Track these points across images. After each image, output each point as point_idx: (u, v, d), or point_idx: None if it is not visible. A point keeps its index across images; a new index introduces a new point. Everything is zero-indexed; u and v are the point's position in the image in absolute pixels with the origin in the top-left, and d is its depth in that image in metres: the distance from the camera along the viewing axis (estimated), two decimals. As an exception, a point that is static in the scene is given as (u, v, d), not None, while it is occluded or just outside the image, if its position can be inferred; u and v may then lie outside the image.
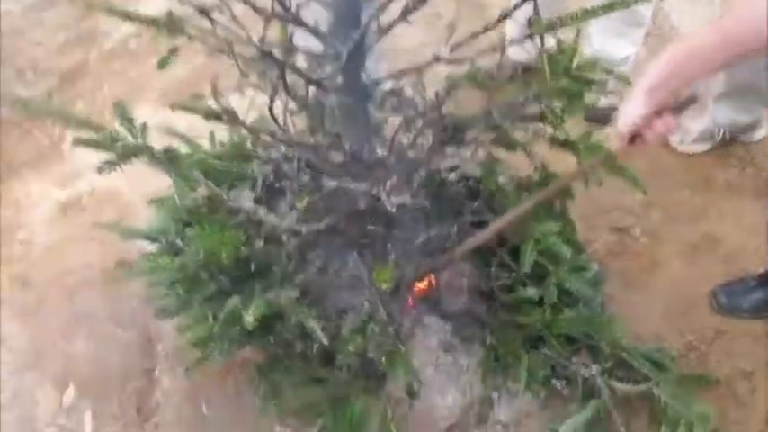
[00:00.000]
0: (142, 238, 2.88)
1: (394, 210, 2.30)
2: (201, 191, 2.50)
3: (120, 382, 3.29)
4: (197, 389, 3.21)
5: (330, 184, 2.39)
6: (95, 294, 3.49)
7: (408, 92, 2.34)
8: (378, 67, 2.22)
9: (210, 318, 2.55)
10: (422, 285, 3.12)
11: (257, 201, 2.75)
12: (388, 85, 2.27)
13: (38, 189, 4.33)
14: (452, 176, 3.28)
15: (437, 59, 2.02)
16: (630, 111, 1.69)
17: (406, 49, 3.72)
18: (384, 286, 2.37)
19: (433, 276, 3.12)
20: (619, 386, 2.76)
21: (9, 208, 4.25)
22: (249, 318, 2.28)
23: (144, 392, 3.26)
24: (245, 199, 2.67)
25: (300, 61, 2.13)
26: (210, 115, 2.13)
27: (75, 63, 4.82)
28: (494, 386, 3.00)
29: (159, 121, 2.39)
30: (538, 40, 2.15)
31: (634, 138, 1.78)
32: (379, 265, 2.46)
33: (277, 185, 2.83)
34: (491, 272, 3.02)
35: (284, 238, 2.64)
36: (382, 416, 2.58)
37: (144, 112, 3.78)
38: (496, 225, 2.49)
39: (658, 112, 1.66)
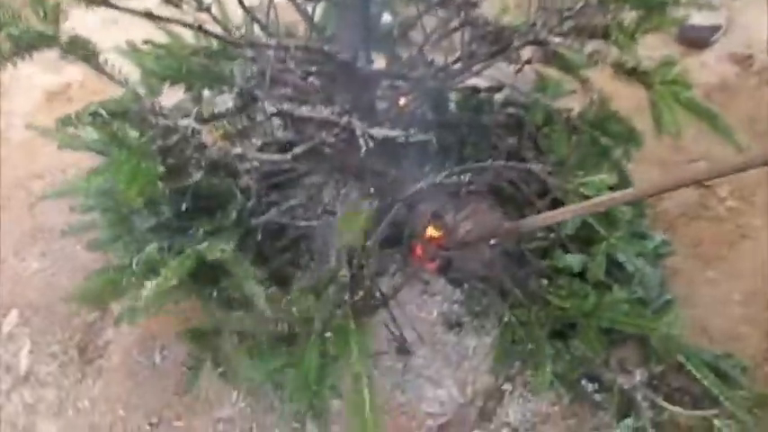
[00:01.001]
0: (84, 149, 2.28)
1: (368, 146, 1.67)
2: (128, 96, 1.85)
3: (66, 314, 2.76)
4: (153, 334, 2.66)
5: (297, 109, 1.73)
6: (58, 207, 2.87)
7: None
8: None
9: (134, 263, 1.96)
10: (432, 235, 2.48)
11: (233, 112, 2.08)
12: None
13: (26, 73, 3.78)
14: (498, 97, 2.76)
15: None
16: None
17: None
18: (348, 238, 1.74)
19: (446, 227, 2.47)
20: (666, 405, 2.10)
21: (-10, 90, 3.73)
22: (167, 275, 1.69)
23: (92, 329, 2.75)
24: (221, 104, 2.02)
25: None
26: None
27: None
28: (506, 377, 2.41)
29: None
30: None
31: None
32: (349, 212, 1.83)
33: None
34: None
35: (241, 169, 1.99)
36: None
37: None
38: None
39: None
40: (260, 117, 2.12)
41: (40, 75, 3.74)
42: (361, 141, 1.72)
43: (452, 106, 2.80)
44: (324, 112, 1.76)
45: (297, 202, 2.35)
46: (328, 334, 1.95)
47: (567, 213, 2.01)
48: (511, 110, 2.71)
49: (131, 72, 2.06)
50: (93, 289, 1.98)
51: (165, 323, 2.61)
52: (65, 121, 1.68)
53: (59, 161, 3.29)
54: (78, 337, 2.72)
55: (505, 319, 2.37)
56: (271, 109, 1.82)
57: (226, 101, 2.05)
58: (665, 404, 2.14)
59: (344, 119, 1.77)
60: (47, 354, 2.70)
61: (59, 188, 2.46)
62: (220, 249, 1.88)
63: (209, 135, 1.68)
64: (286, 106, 1.79)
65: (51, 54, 2.83)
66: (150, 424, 2.48)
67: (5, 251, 3.00)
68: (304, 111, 1.75)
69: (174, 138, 1.87)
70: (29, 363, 2.69)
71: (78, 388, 2.61)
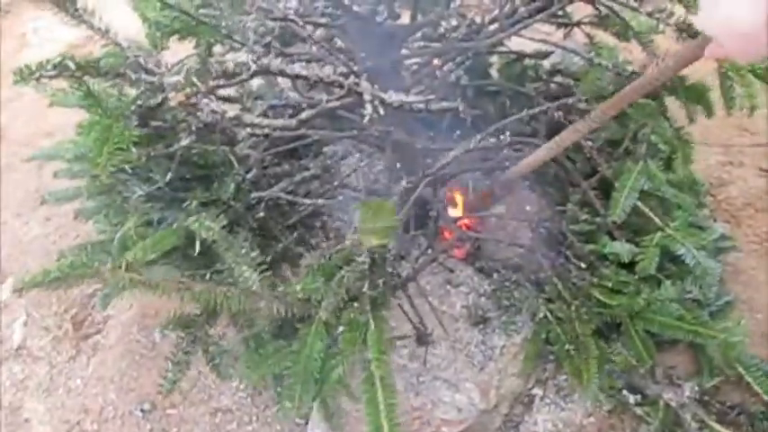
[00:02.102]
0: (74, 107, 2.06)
1: (377, 112, 1.41)
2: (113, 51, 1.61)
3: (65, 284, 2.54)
4: (156, 309, 2.45)
5: (290, 67, 1.45)
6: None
7: None
8: None
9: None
10: (460, 216, 2.30)
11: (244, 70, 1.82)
12: None
13: (46, 24, 3.60)
14: (545, 64, 2.54)
15: None
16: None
17: None
18: (372, 236, 1.50)
19: (477, 205, 2.31)
20: (719, 429, 1.81)
21: (11, 41, 3.55)
22: (138, 253, 1.50)
23: (90, 303, 2.53)
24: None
25: None
26: None
27: None
28: (537, 381, 2.13)
29: None
30: None
31: None
32: (373, 202, 1.58)
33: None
34: (567, 211, 2.22)
35: (240, 135, 1.74)
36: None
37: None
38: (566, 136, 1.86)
39: None
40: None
41: (61, 26, 3.55)
42: (368, 107, 1.44)
43: (493, 73, 2.55)
44: (325, 71, 1.48)
45: (310, 174, 2.09)
46: (341, 329, 1.72)
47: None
48: (559, 79, 2.46)
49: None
50: (63, 269, 1.74)
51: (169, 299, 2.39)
52: (24, 72, 1.42)
53: (70, 119, 3.09)
54: (75, 311, 2.52)
55: (540, 314, 2.11)
56: (271, 65, 1.53)
57: (238, 58, 1.81)
58: (718, 427, 1.86)
59: (350, 80, 1.48)
60: (41, 327, 2.50)
61: (48, 150, 2.22)
62: (207, 227, 1.62)
63: (175, 94, 1.41)
64: (286, 65, 1.50)
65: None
66: (143, 410, 2.26)
67: (7, 213, 2.80)
68: (297, 69, 1.46)
69: (160, 97, 1.62)
70: (22, 335, 2.50)
71: (71, 365, 2.41)
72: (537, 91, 2.40)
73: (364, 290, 1.69)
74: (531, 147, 2.15)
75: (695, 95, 2.16)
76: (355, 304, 1.70)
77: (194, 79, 1.39)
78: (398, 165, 2.12)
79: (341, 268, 1.75)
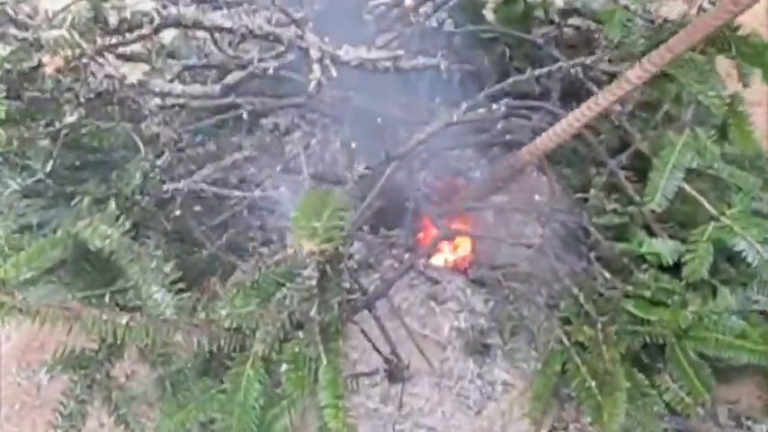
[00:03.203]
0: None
1: (327, 74, 1.47)
2: None
3: None
4: (42, 343, 2.53)
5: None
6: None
7: None
8: None
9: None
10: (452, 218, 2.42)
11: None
12: None
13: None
14: (557, 2, 2.66)
15: None
16: None
17: None
18: (310, 242, 1.56)
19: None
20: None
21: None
22: (13, 270, 1.68)
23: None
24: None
25: None
26: None
27: None
28: (551, 426, 2.23)
29: None
30: None
31: None
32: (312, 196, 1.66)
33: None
34: (590, 198, 2.34)
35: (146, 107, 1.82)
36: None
37: None
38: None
39: None
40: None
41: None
42: (316, 68, 1.50)
43: (488, 16, 2.62)
44: (256, 21, 1.53)
45: (243, 156, 2.16)
46: (284, 367, 1.78)
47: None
48: (575, 21, 2.56)
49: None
50: None
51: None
52: None
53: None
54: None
55: (555, 338, 2.21)
56: (183, 15, 1.59)
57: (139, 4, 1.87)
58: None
59: (290, 32, 1.54)
60: None
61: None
62: (103, 233, 1.68)
63: (50, 58, 1.46)
64: (203, 13, 1.55)
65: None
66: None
67: None
68: (218, 18, 1.52)
69: (36, 59, 1.67)
70: None
71: (-72, 419, 2.47)
72: (546, 38, 2.49)
73: (312, 314, 1.75)
74: (540, 114, 2.24)
75: (753, 53, 2.21)
76: (301, 333, 1.76)
77: (78, 37, 1.44)
78: (360, 142, 2.19)
79: (282, 285, 1.82)
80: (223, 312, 1.74)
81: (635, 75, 1.89)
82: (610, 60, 2.19)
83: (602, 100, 1.95)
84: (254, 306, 1.79)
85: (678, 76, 2.25)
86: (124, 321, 1.70)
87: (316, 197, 1.70)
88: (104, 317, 1.64)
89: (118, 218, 1.84)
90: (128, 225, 1.79)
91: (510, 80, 2.21)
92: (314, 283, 1.74)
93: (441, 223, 2.28)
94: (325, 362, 1.72)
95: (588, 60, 2.19)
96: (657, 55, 1.85)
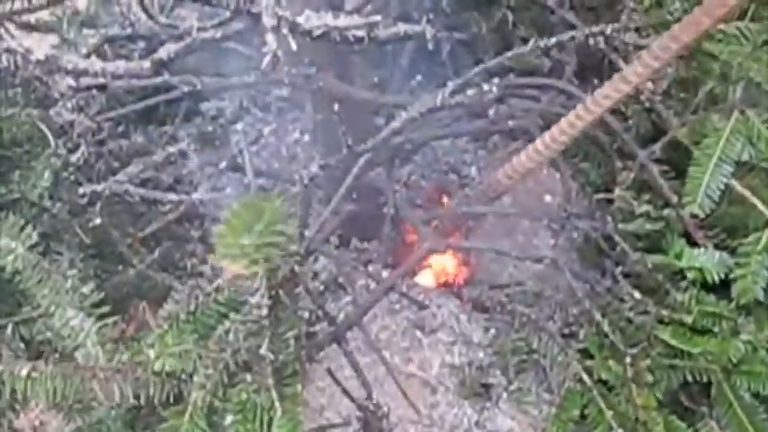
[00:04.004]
0: None
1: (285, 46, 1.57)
2: None
3: None
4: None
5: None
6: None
7: None
8: None
9: None
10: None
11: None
12: None
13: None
14: None
15: None
16: None
17: None
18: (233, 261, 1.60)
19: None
20: None
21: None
22: None
23: None
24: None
25: None
26: None
27: None
28: None
29: None
30: None
31: None
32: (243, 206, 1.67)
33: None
34: (615, 199, 2.38)
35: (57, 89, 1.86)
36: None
37: None
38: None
39: None
40: None
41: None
42: (270, 38, 1.53)
43: None
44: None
45: (178, 149, 2.19)
46: (229, 419, 1.80)
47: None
48: None
49: None
50: None
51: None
52: None
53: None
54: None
55: (572, 374, 2.24)
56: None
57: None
58: None
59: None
60: None
61: None
62: (2, 250, 1.70)
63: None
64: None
65: None
66: None
67: None
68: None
69: None
70: None
71: None
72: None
73: (263, 352, 1.77)
74: (551, 95, 2.27)
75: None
76: (249, 377, 1.79)
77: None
78: (324, 131, 2.22)
79: (224, 317, 1.84)
80: (151, 353, 1.76)
81: (634, 72, 1.91)
82: (638, 30, 2.23)
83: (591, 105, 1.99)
84: (190, 344, 1.81)
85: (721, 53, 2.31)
86: (24, 373, 1.73)
87: (248, 206, 1.72)
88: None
89: (22, 228, 1.88)
90: (35, 237, 1.82)
91: (512, 52, 2.23)
92: (264, 312, 1.78)
93: (427, 232, 2.30)
94: (279, 412, 1.74)
95: (609, 29, 2.22)
96: (660, 45, 1.86)
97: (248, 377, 1.75)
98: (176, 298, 1.86)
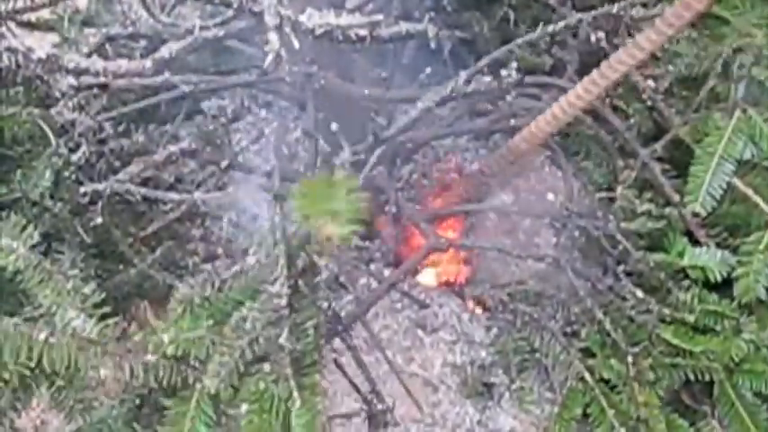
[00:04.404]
0: None
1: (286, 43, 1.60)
2: None
3: None
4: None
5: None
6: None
7: None
8: None
9: None
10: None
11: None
12: None
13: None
14: None
15: None
16: None
17: None
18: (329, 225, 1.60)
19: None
20: None
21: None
22: None
23: None
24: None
25: None
26: None
27: None
28: None
29: None
30: None
31: None
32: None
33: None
34: (616, 198, 2.37)
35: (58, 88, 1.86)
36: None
37: None
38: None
39: None
40: None
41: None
42: (273, 37, 1.53)
43: None
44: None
45: (180, 149, 2.19)
46: (244, 407, 1.79)
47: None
48: None
49: None
50: None
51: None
52: None
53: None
54: None
55: (574, 373, 2.24)
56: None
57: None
58: None
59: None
60: None
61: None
62: (5, 247, 1.70)
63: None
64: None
65: None
66: None
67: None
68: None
69: None
70: None
71: None
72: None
73: (282, 341, 1.76)
74: (553, 92, 2.27)
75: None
76: (266, 366, 1.78)
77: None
78: (328, 128, 2.21)
79: (241, 304, 1.83)
80: (165, 337, 1.75)
81: (647, 39, 1.90)
82: (644, 5, 2.21)
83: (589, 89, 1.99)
84: (204, 330, 1.79)
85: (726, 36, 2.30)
86: (42, 337, 1.72)
87: (316, 182, 1.72)
88: (22, 329, 1.65)
89: (23, 228, 1.87)
90: (36, 237, 1.81)
91: (513, 43, 2.22)
92: (284, 301, 1.77)
93: (429, 231, 2.30)
94: (298, 402, 1.73)
95: (616, 8, 2.21)
96: (674, 13, 1.85)
97: (266, 366, 1.75)
98: (191, 282, 1.85)
